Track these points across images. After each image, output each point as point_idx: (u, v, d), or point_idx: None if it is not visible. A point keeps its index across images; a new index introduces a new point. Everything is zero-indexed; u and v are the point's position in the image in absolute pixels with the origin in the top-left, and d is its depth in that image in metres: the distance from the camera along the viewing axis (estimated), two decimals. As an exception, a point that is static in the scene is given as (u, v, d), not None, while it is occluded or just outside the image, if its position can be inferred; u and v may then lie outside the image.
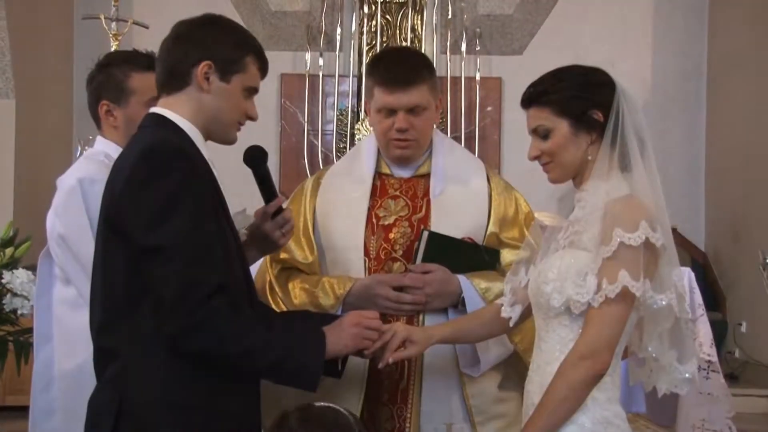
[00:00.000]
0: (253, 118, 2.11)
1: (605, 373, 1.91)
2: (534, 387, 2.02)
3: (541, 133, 2.03)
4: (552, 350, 1.98)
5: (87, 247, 2.27)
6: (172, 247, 1.86)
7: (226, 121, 2.07)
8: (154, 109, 2.07)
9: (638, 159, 1.98)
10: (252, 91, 2.09)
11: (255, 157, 2.25)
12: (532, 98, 2.04)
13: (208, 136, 2.08)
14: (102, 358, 1.98)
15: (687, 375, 2.01)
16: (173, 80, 2.04)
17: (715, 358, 4.25)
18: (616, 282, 1.87)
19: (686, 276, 4.40)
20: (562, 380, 1.90)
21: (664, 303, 1.93)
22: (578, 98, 1.99)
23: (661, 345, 2.00)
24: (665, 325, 1.97)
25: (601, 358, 1.89)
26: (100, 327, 1.98)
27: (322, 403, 1.97)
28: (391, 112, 2.43)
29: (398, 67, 2.44)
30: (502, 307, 2.18)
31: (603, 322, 1.89)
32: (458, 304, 2.40)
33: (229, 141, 2.12)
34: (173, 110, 2.04)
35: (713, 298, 7.18)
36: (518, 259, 2.18)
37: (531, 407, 2.00)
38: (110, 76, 2.44)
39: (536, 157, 2.06)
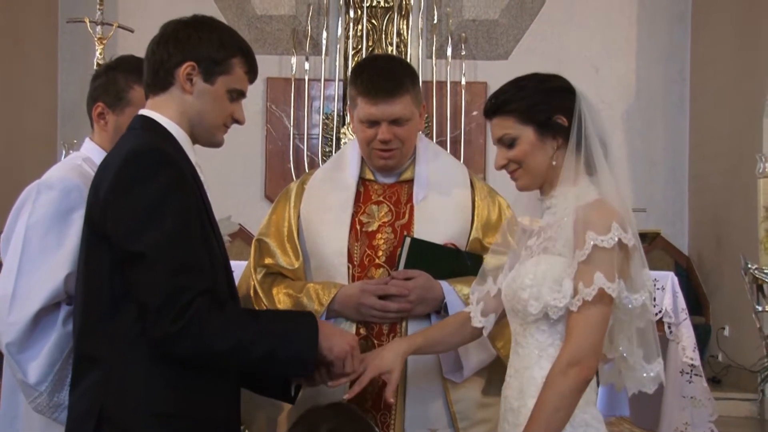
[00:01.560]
0: (239, 122, 2.09)
1: (593, 377, 1.93)
2: (512, 392, 2.03)
3: (506, 142, 2.05)
4: (530, 355, 2.00)
5: (5, 252, 2.30)
6: (156, 253, 1.84)
7: (209, 124, 2.04)
8: (142, 111, 2.05)
9: (603, 162, 2.01)
10: (238, 93, 2.07)
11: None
12: (495, 108, 2.06)
13: (193, 138, 2.06)
14: (81, 364, 1.96)
15: (652, 374, 2.04)
16: (158, 80, 2.03)
17: (698, 362, 4.27)
18: (593, 284, 1.89)
19: (669, 280, 4.43)
20: (552, 391, 1.90)
21: (638, 303, 1.96)
22: (541, 104, 2.02)
23: (630, 345, 2.03)
24: (640, 324, 2.01)
25: (588, 363, 1.91)
26: (80, 332, 1.96)
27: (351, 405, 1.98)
28: (374, 123, 2.42)
29: (381, 78, 2.42)
30: (473, 317, 2.19)
31: (586, 327, 1.91)
32: (441, 309, 2.40)
33: (215, 144, 2.09)
34: (161, 112, 2.02)
35: (696, 302, 7.22)
36: (488, 267, 2.19)
37: (509, 412, 2.02)
38: (113, 81, 2.41)
39: (503, 166, 2.07)
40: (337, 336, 2.06)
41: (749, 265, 4.95)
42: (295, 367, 1.99)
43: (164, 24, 2.07)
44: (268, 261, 2.51)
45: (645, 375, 2.04)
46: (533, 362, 1.98)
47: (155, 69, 2.03)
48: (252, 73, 2.09)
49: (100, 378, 1.90)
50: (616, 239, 1.90)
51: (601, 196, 1.99)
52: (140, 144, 1.94)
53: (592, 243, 1.90)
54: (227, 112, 2.05)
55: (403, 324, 2.41)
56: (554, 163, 2.02)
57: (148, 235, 1.84)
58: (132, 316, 1.88)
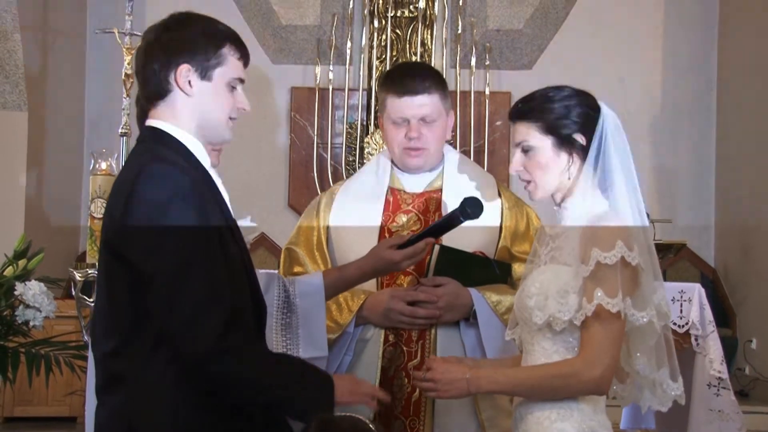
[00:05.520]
0: (244, 110, 2.04)
1: (596, 393, 1.96)
2: (520, 400, 2.06)
3: (524, 149, 2.09)
4: (536, 362, 2.03)
5: None
6: (176, 273, 1.82)
7: (216, 120, 1.99)
8: (149, 123, 2.01)
9: (620, 179, 2.04)
10: (237, 82, 2.01)
11: (477, 211, 2.33)
12: (520, 114, 2.10)
13: (203, 139, 2.01)
14: (109, 382, 1.94)
15: (678, 392, 2.05)
16: (155, 90, 1.98)
17: (725, 375, 4.22)
18: (593, 301, 1.93)
19: (696, 292, 4.39)
20: (554, 378, 1.95)
21: (645, 320, 1.98)
22: (564, 120, 2.06)
23: (649, 362, 2.05)
24: (650, 341, 2.03)
25: (598, 384, 1.94)
26: (108, 352, 1.93)
27: (341, 414, 1.98)
28: (404, 121, 2.46)
29: (410, 78, 2.50)
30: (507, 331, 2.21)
31: (596, 345, 1.94)
32: (470, 317, 2.41)
33: (224, 140, 2.05)
34: (166, 120, 1.98)
35: (723, 314, 7.14)
36: (517, 277, 2.22)
37: (518, 420, 2.05)
38: None
39: (518, 171, 2.11)
40: (343, 386, 2.02)
41: (778, 277, 4.89)
42: (308, 416, 1.94)
43: (145, 31, 2.03)
44: (297, 269, 2.53)
45: (671, 393, 2.05)
46: None
47: (150, 79, 1.98)
48: (244, 57, 2.03)
49: (126, 397, 1.89)
50: (619, 257, 1.94)
51: (612, 209, 2.02)
52: (152, 160, 1.90)
53: (595, 260, 1.94)
54: (230, 104, 2.01)
55: (432, 331, 2.42)
56: (569, 178, 2.06)
57: (169, 255, 1.82)
58: (153, 335, 1.86)
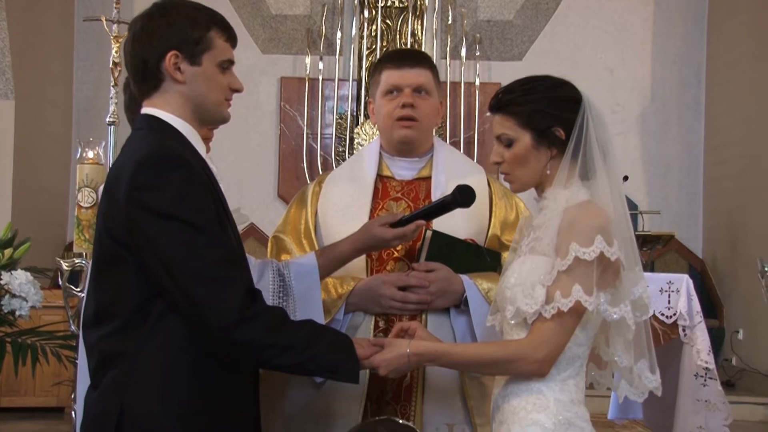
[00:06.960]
0: (238, 90, 2.06)
1: (540, 376, 1.97)
2: (497, 389, 2.07)
3: (504, 141, 2.07)
4: None
5: None
6: (194, 252, 1.85)
7: (211, 104, 2.02)
8: (145, 110, 2.02)
9: (601, 168, 2.03)
10: (227, 63, 2.03)
11: (470, 200, 2.35)
12: (499, 106, 2.09)
13: (201, 122, 2.03)
14: (103, 363, 1.96)
15: (656, 384, 2.05)
16: (147, 80, 2.00)
17: (712, 366, 4.25)
18: (570, 296, 1.92)
19: (684, 283, 4.41)
20: (500, 355, 1.98)
21: (616, 317, 1.98)
22: (543, 113, 2.03)
23: (627, 353, 2.04)
24: (627, 335, 2.03)
25: (540, 368, 1.95)
26: (101, 336, 1.95)
27: (405, 422, 2.04)
28: (397, 91, 2.50)
29: (408, 54, 2.67)
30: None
31: (553, 335, 1.94)
32: (461, 303, 2.40)
33: (223, 120, 2.07)
34: (162, 108, 1.99)
35: (711, 305, 7.19)
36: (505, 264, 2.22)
37: (495, 410, 2.06)
38: None
39: (497, 163, 2.10)
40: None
41: (766, 269, 4.91)
42: (343, 371, 2.00)
43: (131, 22, 2.04)
44: (284, 257, 2.51)
45: (649, 385, 2.05)
46: None
47: (141, 70, 2.00)
48: (232, 39, 2.05)
49: (119, 377, 1.91)
50: (598, 252, 1.92)
51: (593, 198, 2.01)
52: (150, 148, 1.92)
53: (573, 254, 1.92)
54: (224, 86, 2.03)
55: (423, 317, 2.41)
56: (548, 171, 2.05)
57: (181, 237, 1.85)
58: (155, 316, 1.89)
